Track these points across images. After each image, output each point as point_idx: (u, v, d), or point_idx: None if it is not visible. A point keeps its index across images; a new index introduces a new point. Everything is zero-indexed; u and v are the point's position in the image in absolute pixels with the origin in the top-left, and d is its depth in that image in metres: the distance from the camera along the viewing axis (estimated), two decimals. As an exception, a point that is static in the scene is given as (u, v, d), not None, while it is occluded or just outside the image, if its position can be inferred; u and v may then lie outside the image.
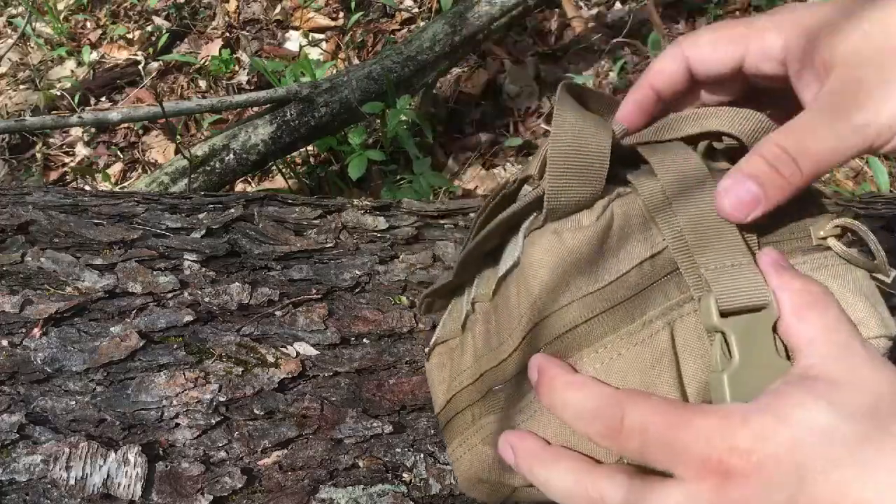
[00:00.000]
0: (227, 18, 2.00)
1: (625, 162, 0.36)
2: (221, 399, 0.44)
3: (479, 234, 0.38)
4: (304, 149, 1.53)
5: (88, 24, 2.08)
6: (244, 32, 1.96)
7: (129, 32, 2.01)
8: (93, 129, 1.83)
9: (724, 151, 0.37)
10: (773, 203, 0.31)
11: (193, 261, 0.51)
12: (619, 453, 0.31)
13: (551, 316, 0.33)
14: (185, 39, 2.00)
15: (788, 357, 0.30)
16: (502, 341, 0.36)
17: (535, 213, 0.36)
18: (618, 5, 1.80)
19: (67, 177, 1.76)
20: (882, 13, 0.31)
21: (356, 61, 1.82)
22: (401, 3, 1.90)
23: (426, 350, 0.43)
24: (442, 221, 0.59)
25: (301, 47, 1.88)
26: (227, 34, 1.97)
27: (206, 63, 1.88)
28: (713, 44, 0.35)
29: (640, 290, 0.32)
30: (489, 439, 0.37)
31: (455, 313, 0.42)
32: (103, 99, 1.91)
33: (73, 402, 0.44)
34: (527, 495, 0.38)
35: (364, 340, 0.48)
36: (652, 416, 0.28)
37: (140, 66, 1.95)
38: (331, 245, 0.54)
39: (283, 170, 1.58)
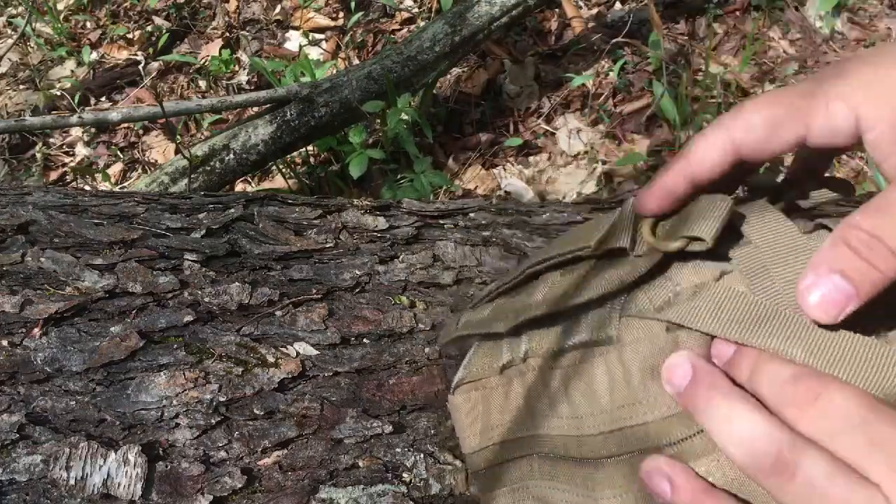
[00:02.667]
0: (227, 18, 2.00)
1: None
2: (221, 399, 0.44)
3: (546, 293, 0.35)
4: (304, 149, 1.53)
5: (88, 24, 2.08)
6: (244, 32, 1.96)
7: (129, 32, 2.01)
8: (93, 129, 1.84)
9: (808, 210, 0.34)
10: (867, 298, 0.26)
11: (193, 261, 0.51)
12: (806, 431, 0.26)
13: (650, 425, 0.31)
14: (185, 39, 2.00)
15: None
16: (580, 414, 0.34)
17: (625, 295, 0.33)
18: (618, 5, 1.80)
19: (67, 177, 1.76)
20: None
21: (356, 61, 1.81)
22: (401, 3, 1.90)
23: (452, 386, 0.41)
24: (442, 221, 0.59)
25: (301, 47, 1.88)
26: (227, 34, 1.97)
27: (206, 63, 1.88)
28: (769, 127, 0.30)
29: None
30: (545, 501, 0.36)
31: (486, 351, 0.40)
32: (103, 99, 1.91)
33: (73, 402, 0.44)
34: None
35: (364, 340, 0.48)
36: (856, 401, 0.25)
37: (140, 66, 1.95)
38: (331, 245, 0.54)
39: (283, 170, 1.58)
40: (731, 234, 0.32)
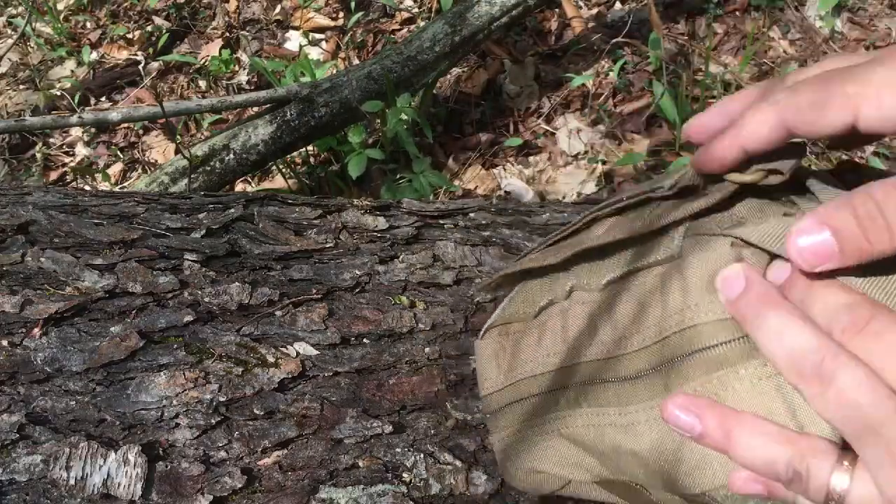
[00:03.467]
0: (227, 18, 2.00)
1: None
2: (221, 399, 0.44)
3: (607, 228, 0.36)
4: (304, 149, 1.53)
5: (88, 24, 2.08)
6: (244, 32, 1.96)
7: (129, 32, 2.01)
8: (93, 129, 1.84)
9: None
10: (849, 263, 0.27)
11: (193, 261, 0.51)
12: (852, 350, 0.27)
13: (700, 327, 0.32)
14: (185, 39, 2.00)
15: None
16: (624, 334, 0.34)
17: (686, 223, 0.35)
18: (618, 5, 1.80)
19: (67, 177, 1.76)
20: None
21: (356, 61, 1.82)
22: (401, 3, 1.90)
23: (482, 330, 0.41)
24: (442, 221, 0.59)
25: (301, 47, 1.88)
26: (227, 34, 1.97)
27: (206, 63, 1.88)
28: (819, 109, 0.30)
29: None
30: (580, 430, 0.36)
31: (523, 296, 0.41)
32: (103, 99, 1.92)
33: (73, 402, 0.44)
34: (578, 490, 0.37)
35: (364, 340, 0.48)
36: None
37: (140, 66, 1.95)
38: (331, 245, 0.54)
39: (283, 170, 1.58)
40: (795, 186, 0.33)
